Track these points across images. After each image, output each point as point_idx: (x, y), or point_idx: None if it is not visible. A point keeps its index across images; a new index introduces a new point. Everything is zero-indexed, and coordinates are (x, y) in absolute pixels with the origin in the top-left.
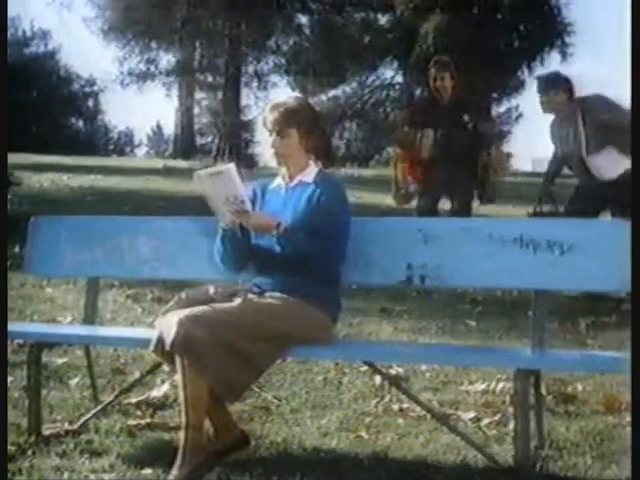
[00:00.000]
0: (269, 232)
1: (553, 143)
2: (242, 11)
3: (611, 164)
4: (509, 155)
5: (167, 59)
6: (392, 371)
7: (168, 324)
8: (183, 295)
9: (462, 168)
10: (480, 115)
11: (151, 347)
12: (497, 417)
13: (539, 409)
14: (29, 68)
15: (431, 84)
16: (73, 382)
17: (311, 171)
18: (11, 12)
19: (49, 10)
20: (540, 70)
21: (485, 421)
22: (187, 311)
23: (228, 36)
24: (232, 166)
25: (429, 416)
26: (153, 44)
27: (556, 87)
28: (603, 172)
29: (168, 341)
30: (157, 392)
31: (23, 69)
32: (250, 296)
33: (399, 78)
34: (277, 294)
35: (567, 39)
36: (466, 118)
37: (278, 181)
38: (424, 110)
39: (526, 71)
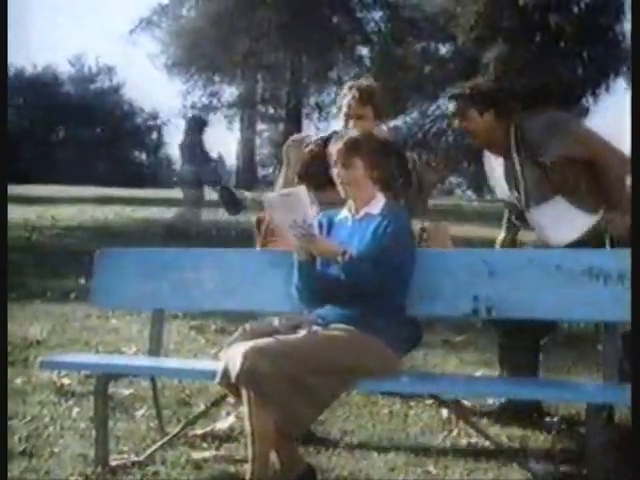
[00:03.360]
0: (334, 259)
1: (492, 190)
2: (303, 44)
3: (559, 223)
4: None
5: (229, 92)
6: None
7: (233, 356)
8: (247, 327)
9: None
10: (407, 167)
11: (217, 379)
12: (569, 453)
13: (612, 445)
14: (94, 103)
15: (342, 123)
16: (139, 413)
17: (378, 202)
18: (77, 49)
19: (114, 47)
20: (605, 97)
21: (557, 457)
22: (252, 343)
23: (289, 68)
24: (303, 188)
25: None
26: (216, 78)
27: (477, 103)
28: (550, 236)
29: (233, 373)
30: (222, 424)
31: (89, 104)
32: (314, 328)
33: None
34: (342, 326)
35: None
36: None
37: (344, 213)
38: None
39: (590, 99)
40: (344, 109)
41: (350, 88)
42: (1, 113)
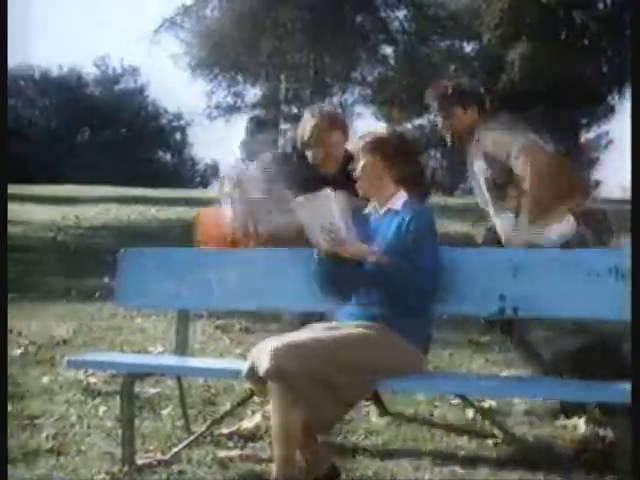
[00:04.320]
0: (364, 260)
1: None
2: (327, 44)
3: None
4: None
5: (253, 92)
6: (485, 404)
7: (262, 352)
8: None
9: None
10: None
11: (244, 374)
12: (598, 453)
13: None
14: (119, 104)
15: (311, 154)
16: (165, 412)
17: (400, 198)
18: (102, 51)
19: (138, 48)
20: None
21: (585, 457)
22: (280, 340)
23: (313, 68)
24: (330, 193)
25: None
26: (239, 78)
27: (462, 100)
28: (505, 236)
29: (261, 370)
30: (248, 423)
31: (113, 105)
32: (341, 327)
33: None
34: (367, 324)
35: None
36: None
37: (369, 208)
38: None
39: (616, 96)
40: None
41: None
42: (1, 113)
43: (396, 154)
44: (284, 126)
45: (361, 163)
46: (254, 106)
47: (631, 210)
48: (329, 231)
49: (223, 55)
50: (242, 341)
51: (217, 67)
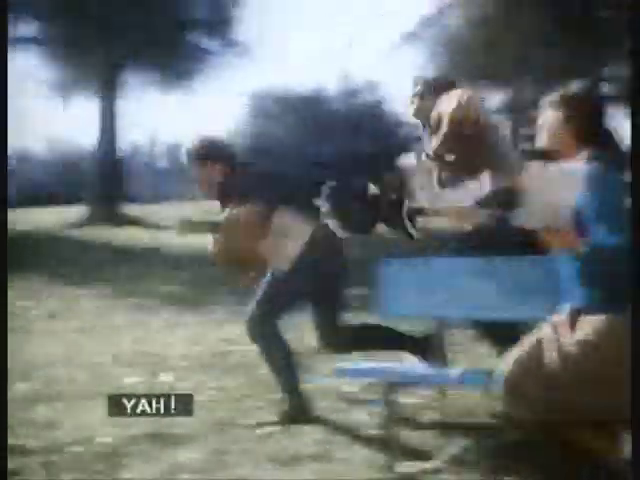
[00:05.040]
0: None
1: None
2: (572, 43)
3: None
4: None
5: (498, 98)
6: None
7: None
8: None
9: None
10: None
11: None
12: None
13: None
14: (360, 118)
15: None
16: (424, 421)
17: (582, 158)
18: (343, 66)
19: (377, 61)
20: None
21: None
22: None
23: (559, 69)
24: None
25: None
26: (486, 84)
27: (437, 90)
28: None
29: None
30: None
31: (355, 119)
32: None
33: None
34: (603, 317)
35: None
36: None
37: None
38: None
39: None
40: None
41: None
42: (2, 115)
43: (579, 110)
44: (526, 130)
45: (546, 116)
46: (499, 111)
47: (631, 210)
48: (558, 213)
49: (465, 62)
50: (493, 353)
51: (459, 75)
